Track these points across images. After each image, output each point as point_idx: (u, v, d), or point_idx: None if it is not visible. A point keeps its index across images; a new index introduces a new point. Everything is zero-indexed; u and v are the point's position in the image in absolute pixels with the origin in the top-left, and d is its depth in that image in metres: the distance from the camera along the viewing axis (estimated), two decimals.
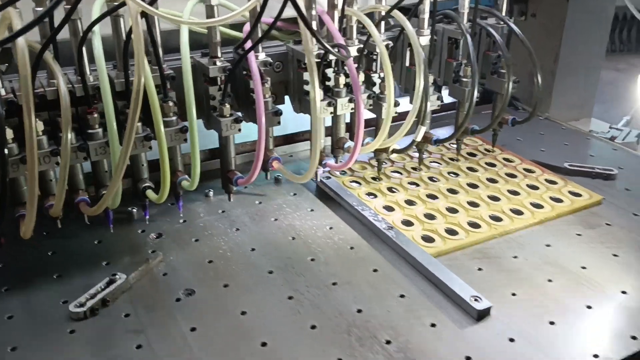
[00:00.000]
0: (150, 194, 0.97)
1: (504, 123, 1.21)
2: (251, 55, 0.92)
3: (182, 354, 0.77)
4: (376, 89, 1.10)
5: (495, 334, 0.79)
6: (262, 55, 0.99)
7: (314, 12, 0.99)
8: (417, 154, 1.25)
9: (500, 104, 1.17)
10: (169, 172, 0.89)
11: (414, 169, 1.22)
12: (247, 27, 0.98)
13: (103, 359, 0.76)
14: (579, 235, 1.01)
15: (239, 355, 0.76)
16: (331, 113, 1.04)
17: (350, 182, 1.17)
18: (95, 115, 0.87)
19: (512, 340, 0.78)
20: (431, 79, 1.10)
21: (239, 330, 0.81)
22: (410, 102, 1.06)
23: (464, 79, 1.14)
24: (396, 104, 1.03)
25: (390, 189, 1.14)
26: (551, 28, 1.49)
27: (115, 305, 0.85)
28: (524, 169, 1.22)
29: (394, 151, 1.18)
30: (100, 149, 0.87)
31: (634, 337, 0.78)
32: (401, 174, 1.20)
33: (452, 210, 1.07)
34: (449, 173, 1.21)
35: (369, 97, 1.08)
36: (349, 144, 1.09)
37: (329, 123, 1.11)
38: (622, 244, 0.98)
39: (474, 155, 1.28)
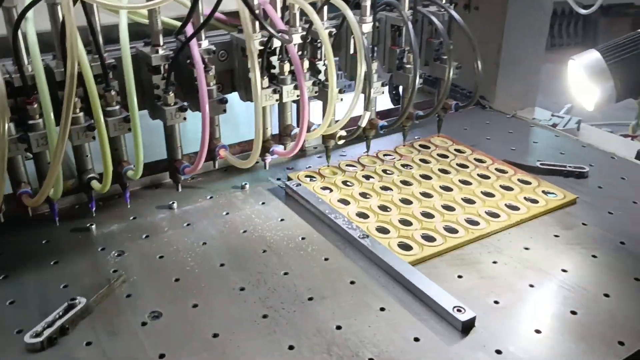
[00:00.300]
0: (94, 184, 0.97)
1: (448, 109, 1.25)
2: (193, 43, 0.93)
3: None
4: (321, 76, 1.10)
5: (481, 346, 0.76)
6: (205, 43, 1.00)
7: (256, 1, 0.99)
8: (387, 157, 1.24)
9: (442, 89, 1.20)
10: (110, 161, 0.91)
11: (385, 171, 1.19)
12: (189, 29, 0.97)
13: None
14: (556, 236, 0.99)
15: None
16: (277, 100, 1.05)
17: (321, 188, 1.13)
18: (35, 105, 0.86)
19: (499, 352, 0.75)
20: (375, 65, 1.12)
21: (211, 355, 0.75)
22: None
23: (407, 66, 1.17)
24: (341, 91, 1.05)
25: (363, 195, 1.10)
26: (493, 20, 1.51)
27: (76, 333, 0.79)
28: (497, 169, 1.20)
29: (341, 137, 1.17)
30: (42, 140, 0.87)
31: (621, 343, 0.76)
32: (373, 178, 1.17)
33: (428, 215, 1.04)
34: (421, 176, 1.17)
35: (314, 84, 1.08)
36: (296, 130, 1.11)
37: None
38: (599, 245, 0.97)
39: (445, 156, 1.25)
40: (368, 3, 1.10)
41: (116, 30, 0.91)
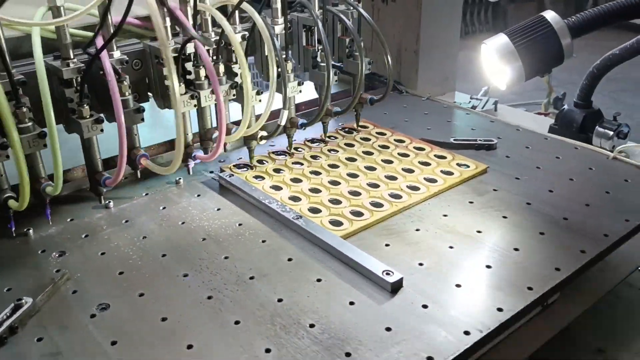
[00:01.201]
0: (12, 203, 0.97)
1: (364, 102, 1.31)
2: (104, 54, 0.93)
3: None
4: (238, 79, 1.13)
5: (409, 303, 0.84)
6: (117, 54, 1.01)
7: (165, 9, 1.00)
8: (315, 144, 1.31)
9: (357, 85, 1.26)
10: (27, 179, 0.91)
11: (314, 157, 1.26)
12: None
13: None
14: (471, 202, 1.09)
15: (165, 352, 0.76)
16: (195, 106, 1.07)
17: (253, 177, 1.18)
18: None
19: (425, 306, 0.83)
20: (290, 65, 1.16)
21: (162, 336, 0.80)
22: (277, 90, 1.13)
23: (322, 64, 1.22)
24: (258, 92, 1.10)
25: (294, 180, 1.17)
26: (410, 11, 1.61)
27: (26, 331, 0.81)
28: (415, 148, 1.29)
29: (262, 137, 1.21)
30: None
31: (530, 288, 0.86)
32: (302, 164, 1.23)
33: (355, 194, 1.12)
34: (347, 159, 1.25)
35: (232, 87, 1.11)
36: (216, 134, 1.13)
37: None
38: (509, 206, 1.07)
39: (367, 139, 1.34)
40: (279, 5, 1.14)
41: (22, 43, 0.93)
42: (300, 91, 1.20)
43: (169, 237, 1.01)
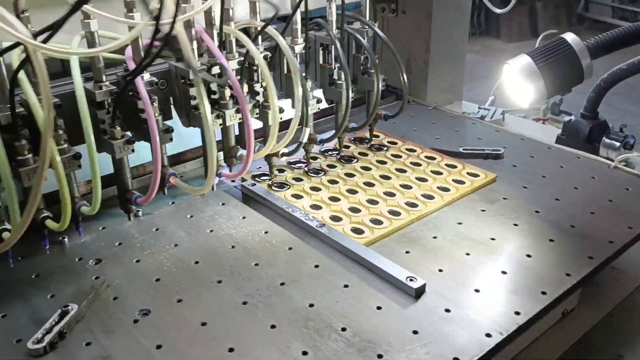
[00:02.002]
0: (50, 223, 0.98)
1: (378, 118, 1.36)
2: (138, 78, 0.94)
3: None
4: (260, 98, 1.16)
5: (433, 307, 0.90)
6: (147, 76, 1.01)
7: (193, 32, 1.03)
8: (329, 154, 1.36)
9: (373, 102, 1.30)
10: (69, 199, 0.92)
11: (330, 166, 1.31)
12: (129, 50, 1.00)
13: None
14: (483, 210, 1.16)
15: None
16: (220, 125, 1.10)
17: (275, 186, 1.23)
18: None
19: (448, 310, 0.89)
20: (309, 83, 1.18)
21: (203, 340, 0.85)
22: (292, 106, 1.15)
23: (338, 82, 1.25)
24: (281, 111, 1.11)
25: (313, 189, 1.22)
26: (420, 22, 1.66)
27: (73, 336, 0.86)
28: (426, 157, 1.35)
29: (283, 155, 1.24)
30: None
31: (543, 293, 0.93)
32: (320, 173, 1.29)
33: (373, 202, 1.18)
34: (362, 168, 1.31)
35: (254, 107, 1.14)
36: (241, 152, 1.16)
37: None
38: (519, 214, 1.14)
39: (380, 149, 1.40)
40: (299, 26, 1.17)
41: (50, 63, 0.92)
42: (319, 108, 1.23)
43: (199, 245, 1.07)
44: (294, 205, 1.15)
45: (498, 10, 1.81)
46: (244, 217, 1.15)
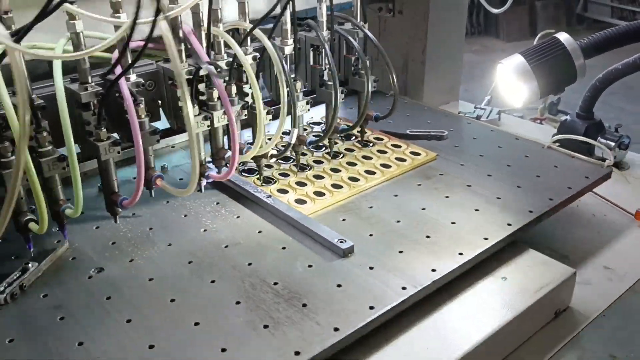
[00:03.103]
0: (32, 225, 1.00)
1: (369, 119, 1.36)
2: (122, 80, 0.94)
3: (103, 319, 0.89)
4: (249, 99, 1.15)
5: (358, 265, 1.00)
6: (133, 77, 1.02)
7: (181, 33, 1.03)
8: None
9: (363, 102, 1.31)
10: (44, 203, 0.94)
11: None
12: (116, 51, 1.00)
13: (30, 333, 0.87)
14: (419, 185, 1.25)
15: (153, 309, 0.91)
16: (208, 127, 1.08)
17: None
18: None
19: (371, 268, 0.99)
20: (299, 85, 1.19)
21: (149, 292, 0.95)
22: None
23: (328, 83, 1.26)
24: (268, 112, 1.12)
25: (281, 174, 1.30)
26: (417, 22, 1.70)
27: (32, 290, 0.96)
28: (375, 138, 1.45)
29: (272, 156, 1.27)
30: None
31: (460, 254, 1.02)
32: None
33: (319, 177, 1.27)
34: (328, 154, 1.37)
35: (243, 108, 1.12)
36: (229, 154, 1.14)
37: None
38: (452, 188, 1.24)
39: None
40: (288, 27, 1.18)
41: (37, 64, 0.94)
42: (309, 110, 1.24)
43: (154, 213, 1.16)
44: (244, 180, 1.24)
45: (495, 10, 1.81)
46: (199, 190, 1.24)
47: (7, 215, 0.84)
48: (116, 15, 0.94)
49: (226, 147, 1.16)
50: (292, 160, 1.34)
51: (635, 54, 1.47)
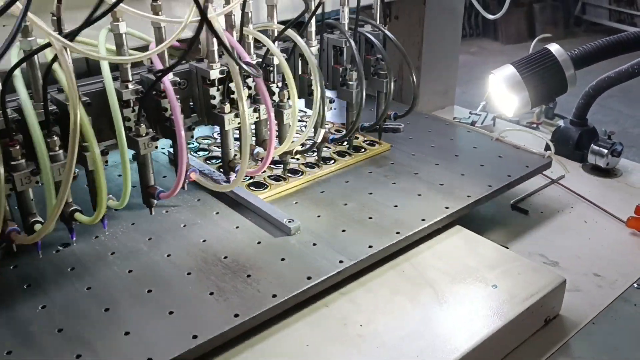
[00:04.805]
0: (79, 216, 1.03)
1: (387, 118, 1.42)
2: (166, 78, 0.98)
3: (65, 286, 0.99)
4: (275, 98, 1.20)
5: (303, 242, 1.09)
6: (170, 76, 1.04)
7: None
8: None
9: (384, 102, 1.37)
10: (105, 192, 0.98)
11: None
12: (152, 46, 1.04)
13: (11, 321, 0.92)
14: (370, 172, 1.35)
15: (111, 278, 1.00)
16: (239, 124, 1.11)
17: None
18: (17, 147, 0.92)
19: (314, 244, 1.08)
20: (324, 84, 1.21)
21: (110, 264, 1.04)
22: (305, 106, 1.26)
23: (350, 82, 1.31)
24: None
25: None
26: (413, 27, 1.74)
27: (3, 262, 1.05)
28: (335, 130, 1.54)
29: (298, 152, 1.33)
30: (26, 179, 0.94)
31: (397, 232, 1.12)
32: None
33: (277, 163, 1.37)
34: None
35: (272, 106, 1.14)
36: (257, 149, 1.21)
37: None
38: (400, 175, 1.33)
39: None
40: (313, 29, 1.22)
41: (79, 65, 1.02)
42: (331, 109, 1.29)
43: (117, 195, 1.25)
44: (206, 166, 1.34)
45: (490, 16, 1.83)
46: (164, 177, 1.33)
47: (60, 206, 0.91)
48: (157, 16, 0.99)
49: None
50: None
51: (629, 62, 1.51)
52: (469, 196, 1.24)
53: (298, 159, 1.39)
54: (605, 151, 1.57)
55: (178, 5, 1.12)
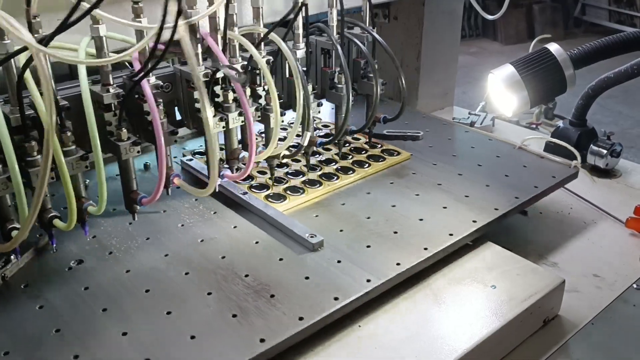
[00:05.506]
0: (57, 222, 1.01)
1: (377, 121, 1.39)
2: (144, 82, 0.96)
3: (79, 306, 0.94)
4: (262, 101, 1.17)
5: (327, 259, 1.04)
6: (152, 79, 1.03)
7: (198, 36, 1.04)
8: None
9: (372, 105, 1.33)
10: (74, 199, 0.95)
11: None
12: (136, 54, 1.02)
13: (8, 321, 0.91)
14: (391, 183, 1.30)
15: (128, 301, 0.95)
16: (223, 127, 1.10)
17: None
18: None
19: (339, 261, 1.04)
20: (310, 87, 1.20)
21: (124, 285, 0.99)
22: (293, 110, 1.20)
23: (339, 85, 1.28)
24: (282, 114, 1.13)
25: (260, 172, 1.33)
26: (412, 28, 1.72)
27: (13, 279, 1.00)
28: (352, 137, 1.49)
29: (285, 156, 1.28)
30: (2, 184, 0.91)
31: (425, 248, 1.07)
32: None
33: (296, 174, 1.32)
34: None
35: (256, 110, 1.13)
36: (243, 154, 1.17)
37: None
38: (422, 186, 1.28)
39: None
40: (300, 31, 1.19)
41: (60, 68, 0.97)
42: (319, 112, 1.26)
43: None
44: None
45: (489, 17, 1.81)
46: (178, 187, 1.28)
47: (34, 212, 0.86)
48: (137, 20, 0.96)
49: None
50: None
51: (628, 62, 1.49)
52: (496, 209, 1.19)
53: (316, 169, 1.34)
54: (605, 152, 1.55)
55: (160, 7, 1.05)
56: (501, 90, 1.54)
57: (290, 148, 1.25)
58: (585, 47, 1.50)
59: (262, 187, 1.27)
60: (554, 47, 1.52)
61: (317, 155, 1.41)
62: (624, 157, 1.62)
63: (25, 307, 0.94)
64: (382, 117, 1.39)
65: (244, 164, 1.16)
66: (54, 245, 1.04)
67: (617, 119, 4.67)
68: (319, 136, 1.39)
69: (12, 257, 1.03)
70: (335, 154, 1.40)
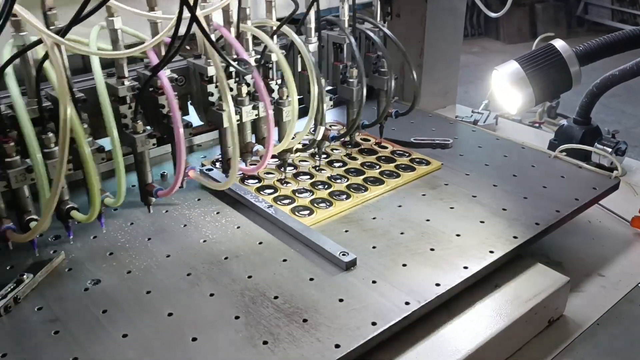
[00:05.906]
0: (75, 214, 0.99)
1: (388, 116, 1.36)
2: (162, 73, 0.95)
3: (98, 333, 0.87)
4: (275, 95, 1.16)
5: (361, 279, 0.97)
6: (167, 72, 1.02)
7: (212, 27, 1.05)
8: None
9: (385, 100, 1.31)
10: (98, 192, 0.94)
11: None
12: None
13: (25, 348, 0.85)
14: (423, 195, 1.23)
15: (149, 324, 0.88)
16: (237, 121, 1.08)
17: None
18: (12, 143, 0.89)
19: (374, 282, 0.97)
20: (323, 81, 1.18)
21: (146, 306, 0.92)
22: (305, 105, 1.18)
23: (351, 80, 1.26)
24: None
25: (279, 181, 1.27)
26: (414, 26, 1.69)
27: (27, 302, 0.93)
28: (379, 145, 1.43)
29: (297, 150, 1.26)
30: (21, 176, 0.90)
31: (465, 267, 1.00)
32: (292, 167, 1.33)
33: (321, 185, 1.25)
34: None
35: (270, 103, 1.11)
36: (257, 147, 1.17)
37: None
38: (456, 199, 1.21)
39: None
40: (312, 25, 1.18)
41: (75, 61, 0.97)
42: (332, 106, 1.26)
43: (153, 223, 1.14)
44: (245, 189, 1.22)
45: (492, 14, 1.79)
46: (198, 199, 1.22)
47: (54, 201, 0.88)
48: (151, 12, 0.96)
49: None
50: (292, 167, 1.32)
51: (633, 60, 1.45)
52: (537, 223, 1.12)
53: (342, 179, 1.27)
54: (609, 150, 1.51)
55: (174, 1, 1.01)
56: (506, 87, 1.50)
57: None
58: (591, 44, 1.47)
59: (286, 198, 1.20)
60: (559, 44, 1.48)
61: (329, 156, 1.34)
62: (628, 156, 1.58)
63: (39, 332, 0.88)
64: (394, 112, 1.37)
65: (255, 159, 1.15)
66: (71, 237, 1.04)
67: (621, 117, 4.62)
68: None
69: (24, 276, 0.96)
70: (365, 165, 1.34)
